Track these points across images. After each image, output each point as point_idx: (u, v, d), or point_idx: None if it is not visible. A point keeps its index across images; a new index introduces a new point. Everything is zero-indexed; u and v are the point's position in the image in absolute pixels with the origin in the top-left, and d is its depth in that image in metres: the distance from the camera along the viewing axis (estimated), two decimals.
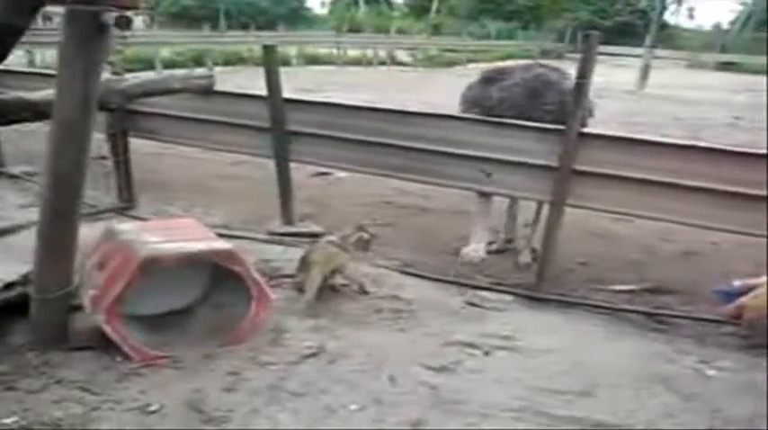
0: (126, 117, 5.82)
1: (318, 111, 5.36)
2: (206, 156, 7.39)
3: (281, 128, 5.28)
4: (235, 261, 3.58)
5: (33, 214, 5.71)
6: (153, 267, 3.41)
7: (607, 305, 4.56)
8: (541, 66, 5.36)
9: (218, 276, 3.81)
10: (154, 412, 3.12)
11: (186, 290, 3.93)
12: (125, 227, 3.79)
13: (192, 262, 3.57)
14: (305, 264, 4.30)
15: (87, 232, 3.81)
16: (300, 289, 4.30)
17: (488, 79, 5.25)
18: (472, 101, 5.16)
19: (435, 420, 3.12)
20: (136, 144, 6.55)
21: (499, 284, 4.88)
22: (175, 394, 3.25)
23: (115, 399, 3.20)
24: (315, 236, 5.45)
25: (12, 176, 6.76)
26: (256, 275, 3.70)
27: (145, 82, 5.39)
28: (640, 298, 4.77)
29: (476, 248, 5.26)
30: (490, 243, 5.52)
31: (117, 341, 3.43)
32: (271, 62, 5.26)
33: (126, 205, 5.98)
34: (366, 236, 4.35)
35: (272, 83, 5.24)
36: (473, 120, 4.91)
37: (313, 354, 3.64)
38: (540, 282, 4.69)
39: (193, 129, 5.73)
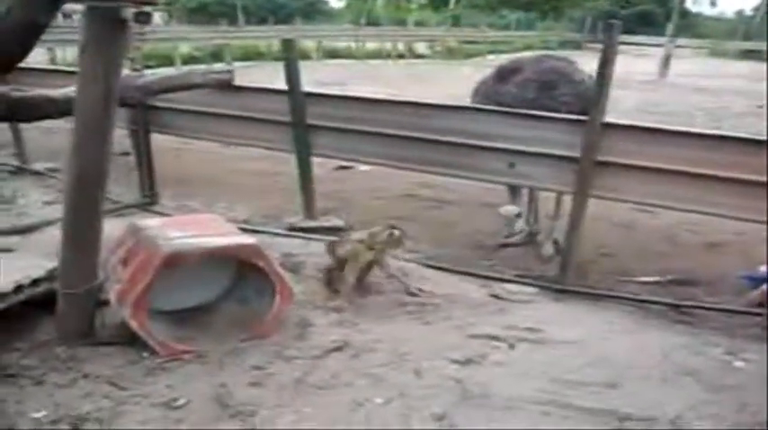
0: (147, 113, 5.85)
1: (338, 105, 5.36)
2: (228, 151, 7.43)
3: (302, 122, 5.28)
4: (258, 256, 3.59)
5: (58, 211, 5.78)
6: (177, 263, 3.43)
7: (632, 297, 4.53)
8: (551, 58, 5.35)
9: (242, 271, 3.82)
10: (180, 407, 3.13)
11: (211, 285, 3.94)
12: (149, 222, 3.81)
13: (215, 257, 3.58)
14: (336, 259, 4.29)
15: (111, 228, 3.87)
16: (330, 284, 4.29)
17: (501, 75, 5.23)
18: (485, 96, 5.14)
19: (461, 414, 3.11)
20: (158, 140, 6.58)
21: (523, 277, 4.86)
22: (202, 388, 3.26)
23: (142, 394, 3.22)
24: (337, 230, 5.47)
25: (35, 173, 6.82)
26: (280, 270, 3.71)
27: (164, 78, 5.42)
28: (665, 289, 4.73)
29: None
30: (512, 235, 5.49)
31: (143, 336, 3.45)
32: (290, 55, 5.26)
33: (148, 201, 6.02)
34: (397, 233, 4.31)
35: (292, 76, 5.24)
36: (495, 112, 4.88)
37: (338, 348, 3.64)
38: (564, 273, 4.66)
39: (214, 124, 5.75)
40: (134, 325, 3.41)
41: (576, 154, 4.52)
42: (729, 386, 3.40)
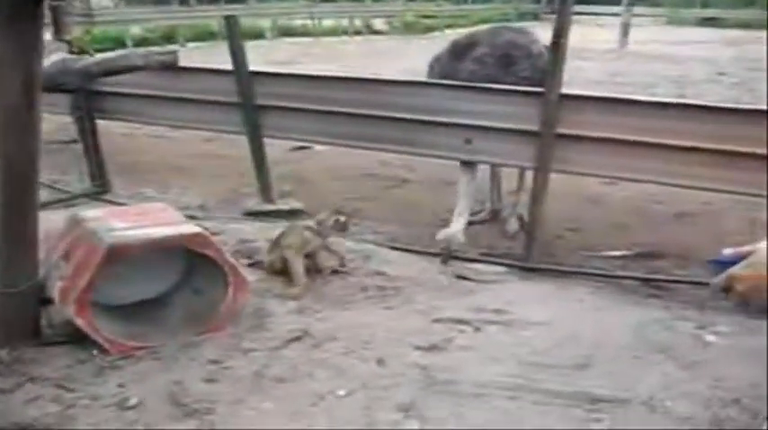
0: (91, 98, 5.58)
1: (288, 84, 5.17)
2: (181, 134, 7.17)
3: (250, 102, 5.07)
4: (207, 245, 3.41)
5: None
6: (119, 256, 3.23)
7: (600, 272, 4.44)
8: (508, 30, 5.18)
9: (195, 261, 3.63)
10: (133, 407, 2.95)
11: (162, 277, 3.75)
12: (91, 214, 3.59)
13: (160, 248, 3.37)
14: (277, 245, 4.15)
15: (59, 220, 3.66)
16: (275, 271, 4.14)
17: (457, 51, 5.01)
18: (441, 75, 4.93)
19: (427, 403, 2.98)
20: (109, 125, 6.34)
21: (488, 255, 4.74)
22: (155, 387, 3.08)
23: (92, 395, 3.03)
24: (295, 213, 5.30)
25: None
26: (231, 259, 3.53)
27: (104, 60, 5.16)
28: (634, 263, 4.66)
29: (455, 232, 4.62)
30: (476, 213, 5.36)
31: (91, 334, 3.25)
32: (233, 34, 5.04)
33: (99, 190, 5.77)
34: (343, 218, 4.18)
35: (237, 55, 5.03)
36: (451, 87, 4.72)
37: (297, 338, 3.49)
38: (530, 251, 4.56)
39: (160, 107, 5.52)
40: (80, 323, 3.21)
41: (535, 127, 4.39)
42: (702, 361, 3.32)
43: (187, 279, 3.76)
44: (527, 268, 4.48)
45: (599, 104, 4.35)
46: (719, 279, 2.38)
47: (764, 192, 3.87)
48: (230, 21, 5.08)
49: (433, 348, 3.42)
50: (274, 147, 6.15)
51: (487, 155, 4.69)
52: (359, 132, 4.97)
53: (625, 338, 3.57)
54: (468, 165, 4.75)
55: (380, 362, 3.28)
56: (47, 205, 5.44)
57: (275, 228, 4.82)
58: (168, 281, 3.76)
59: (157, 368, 3.23)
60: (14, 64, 2.93)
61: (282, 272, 4.12)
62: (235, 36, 5.00)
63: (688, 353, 3.42)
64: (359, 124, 4.93)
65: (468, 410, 2.95)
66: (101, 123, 6.15)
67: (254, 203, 5.41)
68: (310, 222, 4.19)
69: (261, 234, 4.81)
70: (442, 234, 4.43)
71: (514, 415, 2.92)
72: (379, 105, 4.83)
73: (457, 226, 4.50)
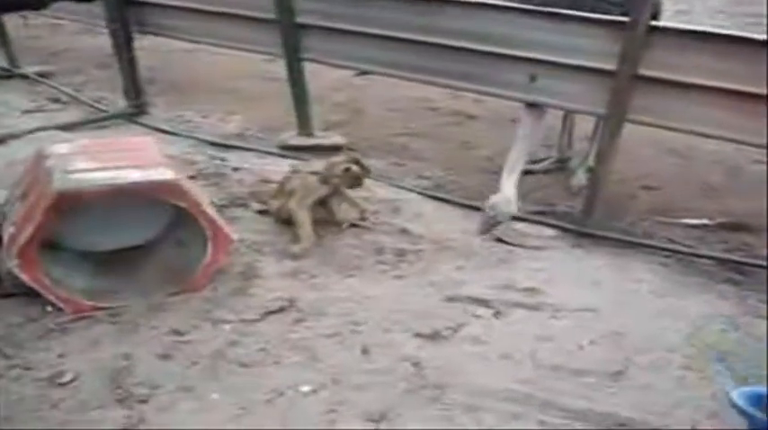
0: (126, 9, 5.10)
1: (334, 1, 4.45)
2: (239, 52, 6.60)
3: (290, 19, 4.44)
4: (179, 195, 2.91)
5: (36, 120, 5.27)
6: (71, 204, 2.78)
7: (668, 246, 3.65)
8: None
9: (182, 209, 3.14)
10: (64, 384, 2.57)
11: (145, 223, 3.31)
12: (59, 149, 3.14)
13: (120, 196, 2.89)
14: (281, 191, 3.61)
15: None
16: (282, 221, 3.61)
17: None
18: None
19: (404, 413, 2.42)
20: (161, 41, 5.90)
21: (542, 213, 4.01)
22: (100, 359, 2.69)
23: (27, 364, 2.67)
24: (336, 149, 4.72)
25: (24, 77, 6.22)
26: (211, 212, 3.02)
27: None
28: (714, 235, 3.82)
29: (505, 199, 3.72)
30: (540, 160, 4.60)
31: (39, 290, 2.85)
32: None
33: (136, 110, 5.35)
34: (356, 169, 3.55)
35: None
36: (519, 11, 3.89)
37: (279, 310, 3.00)
38: (590, 212, 3.80)
39: (198, 22, 4.96)
40: (25, 278, 2.80)
41: (611, 66, 3.56)
42: None
43: (172, 228, 3.29)
44: (583, 233, 3.74)
45: (695, 42, 3.43)
46: None
47: None
48: None
49: (434, 337, 2.84)
50: (334, 71, 5.55)
51: (552, 96, 3.88)
52: (409, 61, 4.25)
53: (679, 339, 2.87)
54: (533, 107, 3.95)
55: (366, 351, 2.74)
56: (77, 125, 5.12)
57: (308, 166, 4.30)
58: (152, 228, 3.31)
59: (111, 335, 2.83)
60: None
61: (290, 222, 3.58)
62: None
63: (755, 366, 2.68)
64: (410, 51, 4.21)
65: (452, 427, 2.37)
66: (157, 39, 5.73)
67: (290, 136, 4.85)
68: (319, 166, 3.60)
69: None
70: (490, 201, 3.66)
71: None
72: (432, 30, 4.09)
73: (508, 190, 3.72)
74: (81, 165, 2.92)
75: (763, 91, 3.19)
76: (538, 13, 3.82)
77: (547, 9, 3.79)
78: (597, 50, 3.64)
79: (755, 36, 3.29)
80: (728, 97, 3.33)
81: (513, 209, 3.67)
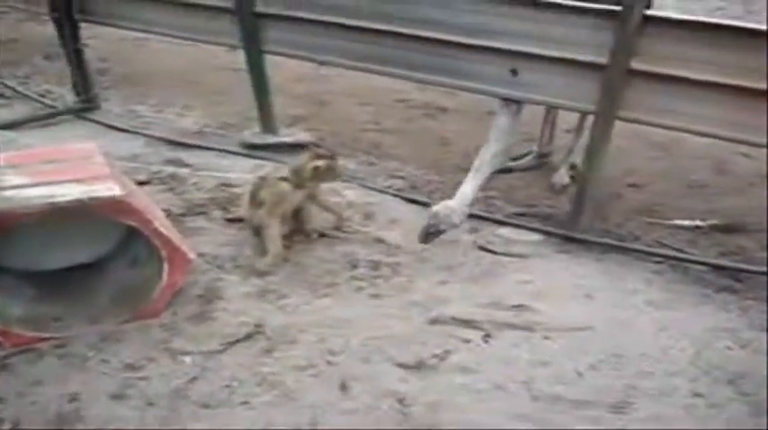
0: None
1: None
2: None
3: (249, 8, 4.09)
4: (127, 213, 2.58)
5: None
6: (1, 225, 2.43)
7: (661, 252, 3.42)
8: None
9: None
10: None
11: (95, 239, 2.98)
12: None
13: (59, 216, 2.55)
14: (254, 200, 3.29)
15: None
16: (256, 233, 3.30)
17: None
18: None
19: None
20: (117, 32, 5.49)
21: (524, 216, 3.76)
22: (42, 403, 2.38)
23: None
24: (302, 147, 4.40)
25: None
26: (166, 230, 2.69)
27: None
28: (707, 238, 3.60)
29: (448, 209, 3.36)
30: (520, 157, 4.34)
31: None
32: None
33: (85, 105, 4.96)
34: (323, 163, 3.25)
35: None
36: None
37: (246, 337, 2.70)
38: (577, 217, 3.55)
39: (148, 10, 4.56)
40: None
41: (602, 59, 3.30)
42: None
43: (126, 244, 2.97)
44: (569, 238, 3.49)
45: (693, 32, 3.16)
46: None
47: None
48: None
49: (419, 367, 2.57)
50: (297, 61, 5.19)
51: (536, 91, 3.59)
52: (374, 53, 3.94)
53: (683, 359, 2.65)
54: (510, 102, 3.66)
55: (344, 386, 2.45)
56: (21, 123, 4.72)
57: (272, 166, 3.99)
58: (102, 245, 3.00)
59: (56, 372, 2.52)
60: None
61: (260, 232, 3.29)
62: None
63: (765, 385, 2.49)
64: (374, 42, 3.90)
65: None
66: (108, 30, 5.32)
67: (253, 133, 4.51)
68: (287, 171, 3.29)
69: (251, 174, 3.94)
70: (432, 209, 3.37)
71: None
72: (404, 19, 3.78)
73: (462, 195, 3.41)
74: (14, 179, 2.58)
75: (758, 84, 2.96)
76: (519, 0, 3.53)
77: None
78: (586, 42, 3.36)
79: (759, 26, 3.04)
80: (729, 93, 3.08)
81: (456, 219, 3.36)
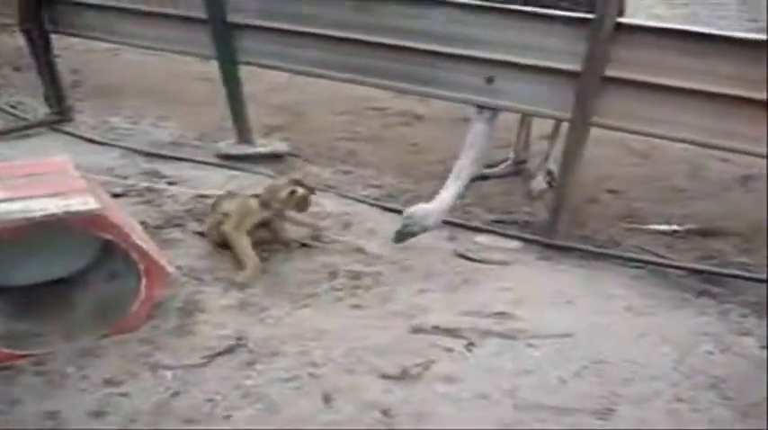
0: (43, 7, 4.64)
1: None
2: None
3: (220, 18, 4.07)
4: (104, 227, 2.54)
5: None
6: None
7: (639, 257, 3.46)
8: None
9: None
10: None
11: (72, 252, 2.94)
12: None
13: (35, 231, 2.51)
14: (215, 212, 3.30)
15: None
16: (216, 244, 3.32)
17: None
18: None
19: None
20: (87, 43, 5.44)
21: (502, 223, 3.78)
22: (21, 422, 2.32)
23: None
24: (278, 157, 4.40)
25: None
26: (143, 243, 2.66)
27: None
28: (685, 243, 3.64)
29: (425, 212, 3.41)
30: (496, 164, 4.36)
31: None
32: None
33: (58, 117, 4.90)
34: (301, 191, 3.26)
35: None
36: (471, 7, 3.61)
37: (228, 350, 2.66)
38: (554, 225, 3.58)
39: (119, 21, 4.53)
40: None
41: (576, 67, 3.32)
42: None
43: (103, 258, 2.93)
44: (548, 245, 3.52)
45: (667, 39, 3.19)
46: None
47: None
48: None
49: (402, 377, 2.56)
50: (270, 73, 5.18)
51: (511, 99, 3.61)
52: (348, 62, 3.94)
53: (665, 365, 2.67)
54: (485, 110, 3.67)
55: (328, 398, 2.43)
56: None
57: (248, 177, 3.98)
58: (79, 258, 2.95)
59: (34, 390, 2.46)
60: None
61: (225, 246, 3.26)
62: None
63: (747, 388, 2.52)
64: (349, 52, 3.90)
65: None
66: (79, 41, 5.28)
67: (229, 144, 4.49)
68: (263, 191, 3.29)
69: (228, 187, 3.92)
70: (409, 211, 3.39)
71: None
72: (378, 29, 3.79)
73: (441, 200, 3.44)
74: None
75: (740, 92, 3.00)
76: (493, 9, 3.56)
77: (504, 6, 3.53)
78: (560, 49, 3.41)
79: (732, 34, 3.09)
80: (704, 99, 3.13)
81: (431, 222, 3.40)
